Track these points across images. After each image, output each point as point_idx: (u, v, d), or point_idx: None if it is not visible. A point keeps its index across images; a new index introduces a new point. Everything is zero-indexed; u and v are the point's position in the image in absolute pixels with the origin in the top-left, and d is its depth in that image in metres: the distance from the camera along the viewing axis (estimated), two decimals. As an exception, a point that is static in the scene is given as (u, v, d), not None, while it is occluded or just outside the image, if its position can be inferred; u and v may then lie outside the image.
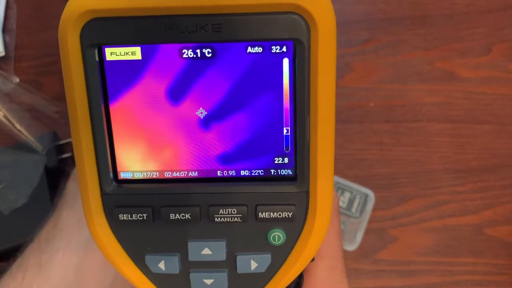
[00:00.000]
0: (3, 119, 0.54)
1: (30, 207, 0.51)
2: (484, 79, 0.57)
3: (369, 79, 0.57)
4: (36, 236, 0.37)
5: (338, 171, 0.55)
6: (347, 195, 0.54)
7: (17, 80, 0.56)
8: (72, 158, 0.53)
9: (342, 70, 0.57)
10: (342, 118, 0.56)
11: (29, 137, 0.53)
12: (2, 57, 0.57)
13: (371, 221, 0.54)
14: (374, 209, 0.54)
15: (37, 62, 0.58)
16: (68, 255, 0.35)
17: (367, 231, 0.53)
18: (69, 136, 0.54)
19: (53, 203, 0.40)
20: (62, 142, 0.54)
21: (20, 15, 0.59)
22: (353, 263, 0.53)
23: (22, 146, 0.53)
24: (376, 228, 0.54)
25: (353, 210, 0.54)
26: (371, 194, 0.54)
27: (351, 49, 0.58)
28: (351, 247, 0.53)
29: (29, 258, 0.36)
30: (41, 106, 0.55)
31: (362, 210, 0.54)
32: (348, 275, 0.55)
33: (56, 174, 0.52)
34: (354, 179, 0.55)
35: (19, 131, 0.54)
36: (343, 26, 0.58)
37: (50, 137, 0.54)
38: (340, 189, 0.54)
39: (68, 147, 0.54)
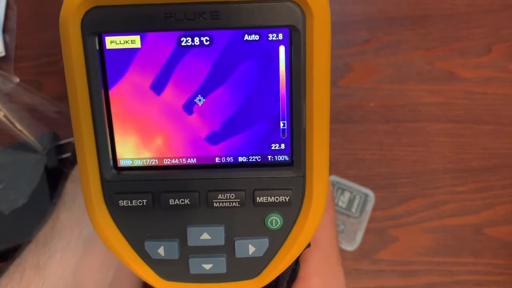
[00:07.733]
0: (3, 119, 0.54)
1: (30, 207, 0.51)
2: (484, 79, 0.57)
3: (369, 79, 0.57)
4: (34, 237, 0.37)
5: (338, 171, 0.55)
6: (347, 195, 0.54)
7: (17, 80, 0.56)
8: (71, 159, 0.53)
9: (342, 70, 0.57)
10: (342, 118, 0.56)
11: (29, 137, 0.53)
12: (2, 57, 0.57)
13: (371, 221, 0.54)
14: (374, 209, 0.54)
15: (37, 62, 0.58)
16: (66, 256, 0.35)
17: (367, 231, 0.53)
18: (69, 136, 0.54)
19: (53, 203, 0.40)
20: (62, 142, 0.54)
21: (20, 15, 0.59)
22: (353, 263, 0.53)
23: (22, 146, 0.53)
24: (376, 228, 0.54)
25: (353, 210, 0.54)
26: (371, 194, 0.54)
27: (351, 49, 0.58)
28: (351, 247, 0.53)
29: (27, 259, 0.35)
30: (41, 106, 0.55)
31: (362, 210, 0.54)
32: (348, 275, 0.55)
33: (56, 174, 0.52)
34: (354, 179, 0.55)
35: (19, 131, 0.54)
36: (343, 26, 0.58)
37: (50, 137, 0.54)
38: (340, 189, 0.54)
39: (68, 147, 0.54)
